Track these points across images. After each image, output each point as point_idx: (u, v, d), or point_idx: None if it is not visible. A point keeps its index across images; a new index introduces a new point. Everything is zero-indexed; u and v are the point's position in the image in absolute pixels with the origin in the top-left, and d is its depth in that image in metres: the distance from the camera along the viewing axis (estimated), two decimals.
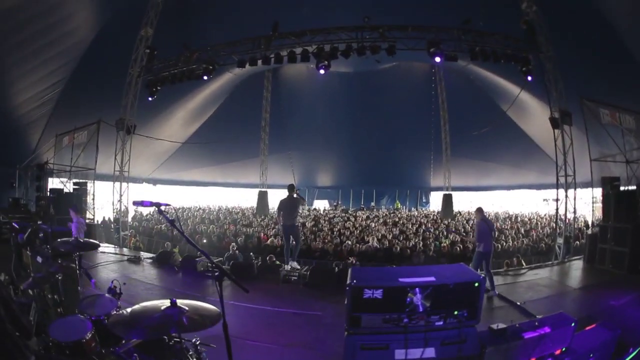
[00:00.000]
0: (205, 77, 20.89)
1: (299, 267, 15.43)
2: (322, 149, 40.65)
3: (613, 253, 15.71)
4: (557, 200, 20.81)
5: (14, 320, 3.79)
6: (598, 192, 19.60)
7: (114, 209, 24.71)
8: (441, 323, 5.36)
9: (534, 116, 27.71)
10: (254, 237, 24.95)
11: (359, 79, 34.38)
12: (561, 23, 19.54)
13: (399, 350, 5.43)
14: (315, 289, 13.60)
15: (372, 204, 44.08)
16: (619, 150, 18.33)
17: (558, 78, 19.54)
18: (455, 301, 5.38)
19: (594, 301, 11.89)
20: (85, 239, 8.19)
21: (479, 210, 14.55)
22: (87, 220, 22.00)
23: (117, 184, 24.06)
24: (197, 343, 5.84)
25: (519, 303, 11.16)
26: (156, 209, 4.75)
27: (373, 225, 28.78)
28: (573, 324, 6.40)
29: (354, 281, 5.32)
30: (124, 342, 5.74)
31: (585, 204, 24.29)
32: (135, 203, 4.85)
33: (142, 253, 19.56)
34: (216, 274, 4.50)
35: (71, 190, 23.07)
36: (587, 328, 6.93)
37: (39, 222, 14.01)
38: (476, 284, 5.39)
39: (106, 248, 20.88)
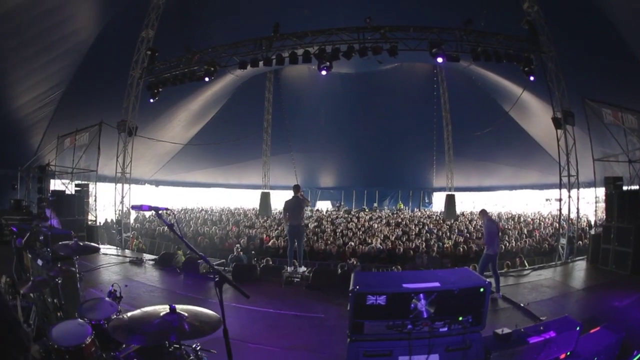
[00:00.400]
0: (206, 79, 20.74)
1: (305, 269, 15.37)
2: (324, 149, 40.58)
3: (616, 253, 15.60)
4: (560, 200, 20.73)
5: (9, 332, 3.70)
6: (601, 191, 19.60)
7: (115, 211, 24.62)
8: (446, 329, 5.26)
9: (536, 116, 27.73)
10: (257, 238, 24.87)
11: (361, 79, 34.36)
12: (563, 23, 19.52)
13: (403, 357, 5.35)
14: (317, 290, 13.53)
15: (375, 204, 43.99)
16: (622, 149, 18.25)
17: (560, 78, 19.48)
18: (460, 307, 5.28)
19: (597, 302, 11.80)
20: (86, 242, 8.11)
21: (484, 212, 14.35)
22: (89, 222, 22.07)
23: (119, 185, 24.04)
24: (198, 349, 5.78)
25: (522, 304, 11.09)
26: (162, 209, 4.69)
27: (376, 226, 28.72)
28: (578, 328, 6.31)
29: (357, 287, 5.20)
30: (124, 346, 5.69)
31: (588, 204, 24.24)
32: (134, 207, 4.79)
33: (144, 255, 19.55)
34: (216, 279, 4.40)
35: (73, 192, 22.96)
36: (592, 331, 6.86)
37: (35, 222, 14.07)
38: (482, 289, 5.29)
39: (108, 250, 20.87)
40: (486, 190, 42.69)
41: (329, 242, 23.27)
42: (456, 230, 27.20)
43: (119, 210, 24.26)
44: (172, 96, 26.32)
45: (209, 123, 37.19)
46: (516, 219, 33.66)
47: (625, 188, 17.42)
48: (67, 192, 22.96)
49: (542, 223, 30.85)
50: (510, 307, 11.34)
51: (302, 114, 38.91)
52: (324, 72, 19.03)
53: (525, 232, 27.42)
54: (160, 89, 21.75)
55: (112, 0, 20.54)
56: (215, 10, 23.97)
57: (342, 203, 44.42)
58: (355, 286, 5.17)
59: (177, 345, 5.38)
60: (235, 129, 36.51)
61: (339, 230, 27.14)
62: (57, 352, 5.31)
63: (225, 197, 47.50)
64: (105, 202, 28.04)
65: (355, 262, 18.22)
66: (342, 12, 22.63)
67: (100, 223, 26.36)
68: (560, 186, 20.56)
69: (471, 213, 37.54)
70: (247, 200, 45.53)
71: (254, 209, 41.04)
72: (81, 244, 7.65)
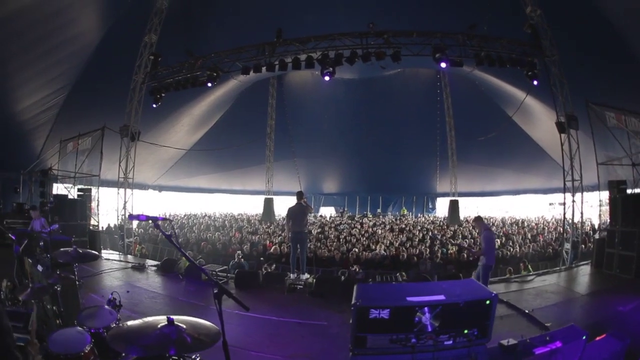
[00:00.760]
0: (209, 84, 20.75)
1: (309, 276, 15.30)
2: (327, 155, 40.63)
3: (620, 257, 15.56)
4: (564, 204, 20.64)
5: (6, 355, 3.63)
6: (605, 195, 19.54)
7: (118, 216, 24.57)
8: (450, 342, 5.17)
9: (540, 121, 27.67)
10: (260, 244, 24.77)
11: (364, 85, 34.41)
12: (565, 27, 19.44)
13: None
14: (321, 298, 13.50)
15: (379, 210, 43.89)
16: (625, 153, 18.18)
17: (564, 82, 19.47)
18: (466, 320, 5.20)
19: (602, 308, 11.71)
20: (85, 250, 8.04)
21: (480, 219, 14.05)
22: (91, 227, 22.04)
23: (122, 190, 24.00)
24: (198, 359, 5.68)
25: (527, 311, 11.01)
26: (160, 218, 4.60)
27: (380, 232, 28.62)
28: (584, 337, 6.19)
29: (360, 301, 5.11)
30: (123, 355, 5.59)
31: (591, 208, 24.15)
32: (132, 217, 4.75)
33: (146, 261, 19.47)
34: (215, 291, 4.31)
35: (75, 197, 22.90)
36: (597, 339, 6.74)
37: (28, 229, 14.02)
38: (487, 302, 5.22)
39: (110, 255, 20.89)
40: (490, 195, 42.65)
41: (333, 248, 23.16)
42: (460, 237, 27.06)
43: (122, 216, 24.17)
44: (175, 101, 26.35)
45: (212, 128, 37.15)
46: (520, 223, 33.47)
47: (629, 191, 17.38)
48: (70, 196, 22.92)
49: (546, 228, 30.70)
50: (514, 313, 11.24)
51: (306, 119, 38.90)
52: (327, 78, 18.95)
53: (529, 237, 27.27)
54: (163, 94, 21.72)
55: (114, 4, 20.46)
56: (218, 15, 24.01)
57: (346, 209, 44.22)
58: (357, 299, 5.08)
59: (176, 357, 5.28)
60: (238, 135, 36.58)
61: (343, 236, 27.01)
62: None
63: (229, 202, 47.42)
64: (108, 207, 28.01)
65: (357, 269, 18.11)
66: (344, 18, 22.56)
67: (102, 228, 26.35)
68: (564, 190, 20.51)
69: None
70: (250, 206, 45.51)
71: (257, 214, 40.95)
72: (80, 251, 7.59)
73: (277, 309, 12.15)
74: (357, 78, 33.37)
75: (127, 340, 4.26)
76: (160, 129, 30.06)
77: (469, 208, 42.34)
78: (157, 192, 42.66)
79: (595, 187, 20.64)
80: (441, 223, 34.61)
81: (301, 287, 14.46)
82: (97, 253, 8.69)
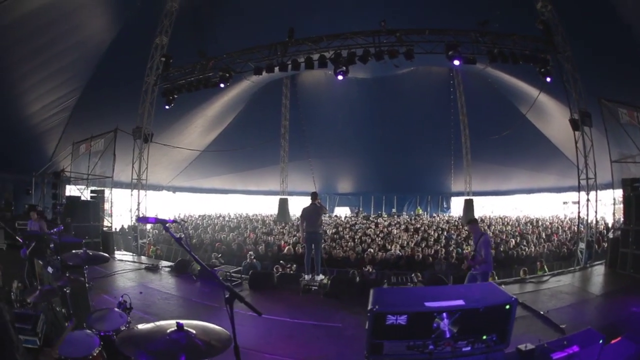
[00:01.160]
0: (222, 85, 20.71)
1: (323, 277, 15.21)
2: (342, 155, 40.52)
3: (634, 257, 15.34)
4: (578, 203, 20.44)
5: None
6: (619, 193, 19.32)
7: (131, 217, 24.55)
8: (469, 349, 5.02)
9: (553, 118, 27.58)
10: (274, 245, 24.71)
11: (377, 84, 34.25)
12: (576, 22, 19.26)
13: None
14: (335, 299, 13.41)
15: (394, 210, 43.82)
16: (639, 150, 17.96)
17: (577, 78, 19.28)
18: (485, 325, 5.05)
19: (617, 309, 11.55)
20: (95, 252, 7.94)
21: (475, 222, 13.51)
22: (104, 228, 22.04)
23: (135, 191, 24.00)
24: None
25: (542, 312, 10.87)
26: (172, 218, 4.50)
27: (395, 232, 28.48)
28: (601, 341, 6.11)
29: (376, 306, 4.92)
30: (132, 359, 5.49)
31: (605, 206, 23.92)
32: (140, 220, 4.65)
33: (160, 261, 19.51)
34: (226, 296, 4.17)
35: (88, 198, 22.92)
36: (613, 342, 6.63)
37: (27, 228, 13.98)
38: (507, 306, 5.08)
39: (124, 256, 20.90)
40: (504, 194, 42.51)
41: (348, 249, 23.05)
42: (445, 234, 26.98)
43: (135, 217, 24.11)
44: (188, 102, 26.37)
45: (226, 129, 37.22)
46: (534, 223, 33.27)
47: None
48: (83, 198, 22.94)
49: (560, 227, 30.49)
50: (529, 315, 11.09)
51: (319, 119, 38.84)
52: (340, 77, 18.85)
53: (544, 236, 27.08)
54: (175, 96, 21.72)
55: (123, 6, 20.52)
56: (229, 16, 23.98)
57: (361, 209, 44.18)
58: (374, 305, 4.90)
59: None
60: (252, 135, 36.69)
61: (358, 236, 26.91)
62: None
63: (244, 203, 47.56)
64: (122, 209, 28.06)
65: (370, 270, 17.96)
66: (356, 16, 22.45)
67: (116, 229, 26.35)
68: (578, 189, 20.31)
69: (489, 218, 37.41)
70: (265, 206, 45.67)
71: (271, 215, 41.03)
72: (90, 253, 7.50)
73: (292, 310, 12.09)
74: (370, 77, 33.24)
75: (137, 344, 4.13)
76: (174, 130, 30.14)
77: (485, 207, 42.29)
78: (172, 193, 42.83)
79: (609, 185, 20.42)
80: (456, 222, 34.46)
81: (316, 288, 14.33)
82: (107, 255, 8.57)
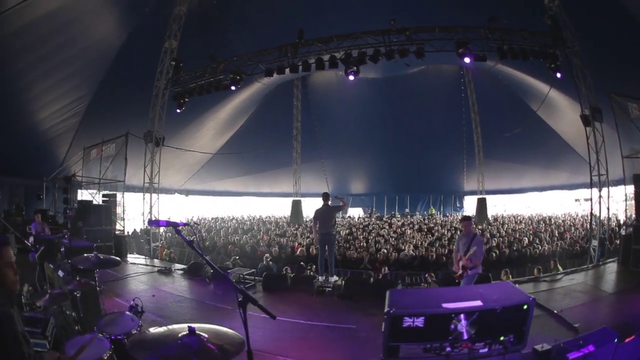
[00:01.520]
0: (233, 87, 20.71)
1: (337, 278, 15.21)
2: (354, 155, 40.59)
3: None
4: (591, 200, 20.29)
5: None
6: (631, 189, 19.17)
7: (144, 221, 24.57)
8: (486, 350, 4.93)
9: (564, 114, 27.47)
10: (288, 247, 24.66)
11: (388, 84, 34.20)
12: (584, 16, 19.14)
13: None
14: (350, 300, 13.32)
15: (407, 210, 43.84)
16: None
17: (586, 73, 19.17)
18: (503, 326, 4.95)
19: (630, 307, 11.53)
20: (106, 255, 7.88)
21: (469, 219, 12.96)
22: (117, 232, 22.09)
23: (147, 195, 24.00)
24: None
25: (556, 311, 10.75)
26: (184, 220, 4.41)
27: (408, 232, 28.39)
28: (616, 340, 6.03)
29: (393, 309, 4.79)
30: None
31: (617, 203, 23.77)
32: (151, 223, 4.58)
33: (173, 264, 19.57)
34: (240, 299, 4.07)
35: (100, 202, 22.95)
36: (627, 340, 6.56)
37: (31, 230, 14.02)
38: (525, 306, 4.98)
39: (136, 259, 20.91)
40: (516, 193, 42.49)
41: (361, 249, 22.96)
42: (488, 235, 26.74)
43: (147, 220, 24.10)
44: (199, 106, 26.51)
45: (238, 132, 37.32)
46: (547, 220, 33.14)
47: None
48: (94, 202, 22.95)
49: (573, 225, 30.33)
50: (543, 314, 10.96)
51: (331, 120, 38.79)
52: (351, 77, 18.74)
53: (557, 234, 26.94)
54: (186, 99, 21.74)
55: (131, 12, 20.64)
56: (238, 19, 24.01)
57: (374, 209, 44.22)
58: (390, 307, 4.78)
59: None
60: (265, 137, 36.79)
61: (372, 237, 26.83)
62: None
63: (257, 205, 47.70)
64: (135, 212, 28.10)
65: (385, 270, 17.84)
66: (365, 15, 22.48)
67: (128, 233, 26.40)
68: (591, 185, 20.21)
69: (502, 216, 37.46)
70: (278, 208, 45.75)
71: (285, 217, 41.06)
72: (101, 257, 7.43)
73: (306, 312, 12.04)
74: (380, 77, 33.20)
75: (148, 348, 4.03)
76: (186, 133, 30.24)
77: (497, 206, 42.17)
78: (184, 197, 42.89)
79: (621, 182, 20.42)
80: None
81: (330, 289, 14.25)
82: (118, 259, 8.49)
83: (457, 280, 11.76)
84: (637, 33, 17.84)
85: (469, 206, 42.84)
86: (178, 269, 18.16)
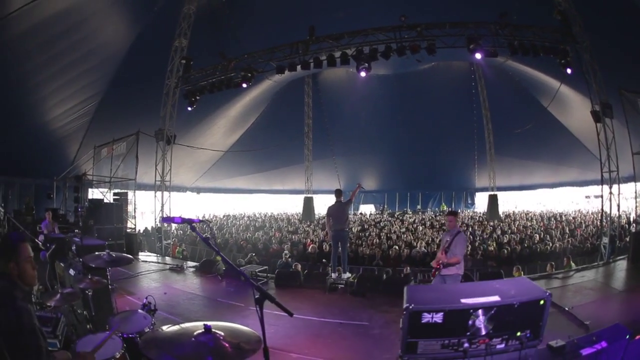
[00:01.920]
0: (244, 85, 20.73)
1: (350, 275, 15.10)
2: (366, 152, 40.60)
3: None
4: (601, 197, 20.19)
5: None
6: None
7: (155, 218, 24.62)
8: (503, 346, 4.90)
9: (574, 110, 27.36)
10: (300, 244, 24.66)
11: (398, 81, 34.25)
12: (593, 12, 18.98)
13: None
14: (362, 297, 13.32)
15: (418, 207, 43.98)
16: None
17: (596, 69, 19.02)
18: (520, 321, 4.91)
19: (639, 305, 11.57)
20: (119, 253, 7.84)
21: (456, 214, 11.78)
22: (128, 230, 22.11)
23: (159, 193, 24.02)
24: None
25: (567, 308, 10.72)
26: (196, 218, 4.35)
27: (420, 228, 28.36)
28: (628, 336, 5.96)
29: (412, 305, 4.74)
30: None
31: (626, 200, 23.66)
32: (165, 220, 4.49)
33: (184, 262, 19.49)
34: (257, 296, 4.02)
35: (111, 201, 23.01)
36: (638, 337, 6.54)
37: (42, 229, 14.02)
38: (542, 302, 4.92)
39: (148, 257, 20.95)
40: (528, 189, 42.45)
41: (374, 246, 22.90)
42: (499, 232, 26.64)
43: (159, 218, 24.18)
44: (210, 104, 26.54)
45: (249, 129, 37.44)
46: (558, 217, 33.08)
47: None
48: (106, 200, 23.02)
49: (583, 222, 30.24)
50: (555, 311, 10.91)
51: (343, 117, 38.85)
52: (363, 74, 18.73)
53: (568, 231, 26.85)
54: (197, 97, 21.80)
55: (140, 11, 20.74)
56: (248, 16, 24.02)
57: (386, 206, 44.37)
58: (409, 303, 4.74)
59: None
60: (276, 135, 36.92)
61: (384, 233, 26.83)
62: None
63: (269, 202, 47.86)
64: (146, 210, 28.15)
65: (406, 270, 17.69)
66: (375, 12, 22.45)
67: (139, 230, 26.43)
68: (601, 182, 20.03)
69: (513, 213, 37.56)
70: (290, 205, 45.94)
71: (297, 214, 41.21)
72: (114, 255, 7.39)
73: (318, 309, 12.03)
74: (391, 74, 33.24)
75: (161, 347, 3.99)
76: (197, 131, 30.32)
77: (508, 203, 42.04)
78: (196, 194, 43.02)
79: (631, 178, 20.18)
80: (480, 218, 34.31)
81: (342, 286, 14.27)
82: (130, 257, 8.45)
83: (431, 277, 10.90)
84: None
85: (481, 203, 42.83)
86: (190, 267, 18.21)
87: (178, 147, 24.81)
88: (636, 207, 22.19)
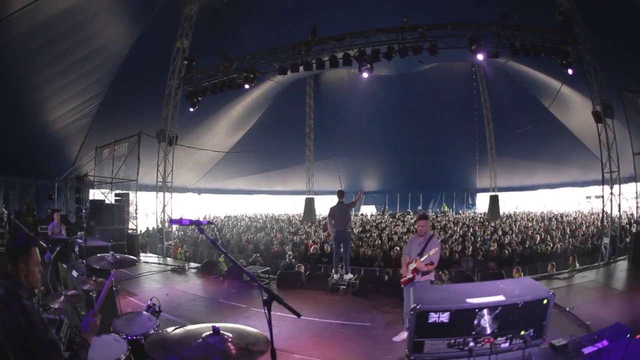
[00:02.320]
0: (247, 86, 20.78)
1: (352, 275, 15.08)
2: (367, 153, 40.67)
3: None
4: (602, 197, 20.25)
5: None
6: None
7: (157, 219, 24.62)
8: (507, 344, 4.98)
9: (575, 110, 27.45)
10: (302, 245, 24.63)
11: (400, 81, 34.29)
12: (594, 12, 19.04)
13: None
14: (364, 298, 13.36)
15: (419, 207, 43.90)
16: None
17: (597, 69, 19.02)
18: (524, 320, 4.98)
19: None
20: (123, 255, 7.82)
21: (426, 218, 10.49)
22: (130, 231, 22.12)
23: (160, 194, 24.03)
24: None
25: (567, 309, 10.79)
26: (200, 219, 4.35)
27: None
28: (628, 335, 6.23)
29: (419, 305, 4.82)
30: None
31: (627, 200, 23.68)
32: (173, 222, 4.47)
33: (186, 263, 19.53)
34: (265, 297, 4.02)
35: (113, 202, 23.01)
36: (638, 336, 6.60)
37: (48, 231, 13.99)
38: (545, 301, 5.00)
39: (149, 258, 20.97)
40: (529, 190, 42.48)
41: (375, 247, 22.91)
42: (500, 233, 26.64)
43: (161, 219, 24.21)
44: (211, 104, 26.58)
45: (250, 130, 37.52)
46: (559, 218, 33.11)
47: None
48: (107, 201, 23.02)
49: (584, 222, 30.26)
50: (555, 311, 10.90)
51: (344, 118, 38.92)
52: (365, 75, 18.78)
53: (568, 231, 26.86)
54: (199, 98, 21.84)
55: (141, 12, 20.77)
56: (250, 17, 24.09)
57: (387, 207, 44.48)
58: (417, 303, 4.80)
59: None
60: (277, 135, 36.89)
61: (385, 234, 26.85)
62: None
63: (270, 203, 48.04)
64: (147, 211, 28.18)
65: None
66: (377, 13, 22.49)
67: (141, 231, 26.45)
68: (602, 182, 20.09)
69: (514, 213, 37.57)
70: (291, 206, 46.08)
71: (298, 214, 41.24)
72: (118, 257, 7.36)
73: (320, 309, 12.09)
74: (393, 74, 33.28)
75: (168, 349, 3.98)
76: (198, 132, 30.38)
77: (508, 203, 42.06)
78: (197, 195, 43.06)
79: (632, 179, 20.22)
80: (481, 219, 34.33)
81: (344, 287, 14.31)
82: (135, 258, 8.47)
83: (402, 286, 10.06)
84: None
85: (482, 203, 42.94)
86: (191, 268, 18.19)
87: (179, 148, 24.83)
88: (637, 207, 22.21)
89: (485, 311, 4.78)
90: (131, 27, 20.88)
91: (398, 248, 21.71)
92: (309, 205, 40.11)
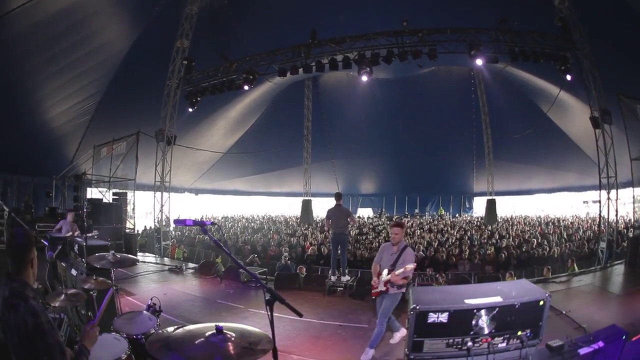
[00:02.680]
0: (246, 87, 20.85)
1: (349, 277, 15.15)
2: (364, 156, 40.60)
3: None
4: (599, 202, 20.32)
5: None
6: (639, 191, 19.19)
7: (154, 219, 24.61)
8: (504, 345, 5.10)
9: (573, 115, 27.45)
10: (299, 246, 24.67)
11: (399, 85, 34.20)
12: (594, 18, 19.13)
13: None
14: (361, 299, 13.39)
15: (416, 210, 43.83)
16: None
17: (596, 75, 19.15)
18: (520, 321, 5.09)
19: (636, 308, 11.82)
20: (123, 255, 7.82)
21: (402, 225, 9.87)
22: (127, 230, 22.12)
23: (158, 194, 24.03)
24: None
25: (564, 312, 10.90)
26: (208, 223, 4.33)
27: (418, 232, 28.40)
28: (624, 337, 6.25)
29: (419, 305, 4.91)
30: None
31: (624, 205, 23.73)
32: (177, 222, 4.40)
33: (183, 263, 19.58)
34: (267, 297, 4.03)
35: (110, 201, 22.98)
36: (634, 339, 6.90)
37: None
38: (541, 303, 5.11)
39: (147, 258, 20.97)
40: (526, 194, 42.42)
41: (372, 249, 22.85)
42: (497, 236, 26.68)
43: (158, 219, 24.21)
44: (210, 105, 26.62)
45: (248, 131, 37.47)
46: (556, 222, 33.12)
47: None
48: (105, 200, 23.05)
49: (581, 226, 30.31)
50: (552, 314, 10.97)
51: (342, 120, 38.81)
52: (364, 78, 18.89)
53: (565, 236, 26.90)
54: (198, 98, 21.88)
55: (141, 12, 20.78)
56: (251, 18, 24.07)
57: (384, 210, 44.29)
58: (416, 304, 4.88)
59: None
60: (275, 137, 36.90)
61: (381, 237, 26.80)
62: None
63: (267, 205, 47.96)
64: (145, 211, 28.16)
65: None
66: (377, 16, 22.44)
67: (138, 231, 26.49)
68: (599, 187, 20.20)
69: (512, 218, 37.48)
70: (288, 207, 46.04)
71: (295, 216, 41.19)
72: (118, 256, 7.34)
73: (318, 311, 12.15)
74: (391, 78, 33.16)
75: (169, 348, 3.99)
76: (196, 132, 30.37)
77: (505, 208, 42.05)
78: (194, 195, 42.99)
79: (629, 184, 20.40)
80: (478, 223, 34.37)
81: (341, 288, 14.38)
82: (135, 257, 8.52)
83: (373, 297, 9.50)
84: None
85: (479, 207, 42.88)
86: (189, 268, 18.30)
87: (177, 148, 24.75)
88: (634, 212, 22.28)
89: (483, 312, 4.88)
90: (131, 26, 20.88)
91: None
92: (306, 207, 40.00)
